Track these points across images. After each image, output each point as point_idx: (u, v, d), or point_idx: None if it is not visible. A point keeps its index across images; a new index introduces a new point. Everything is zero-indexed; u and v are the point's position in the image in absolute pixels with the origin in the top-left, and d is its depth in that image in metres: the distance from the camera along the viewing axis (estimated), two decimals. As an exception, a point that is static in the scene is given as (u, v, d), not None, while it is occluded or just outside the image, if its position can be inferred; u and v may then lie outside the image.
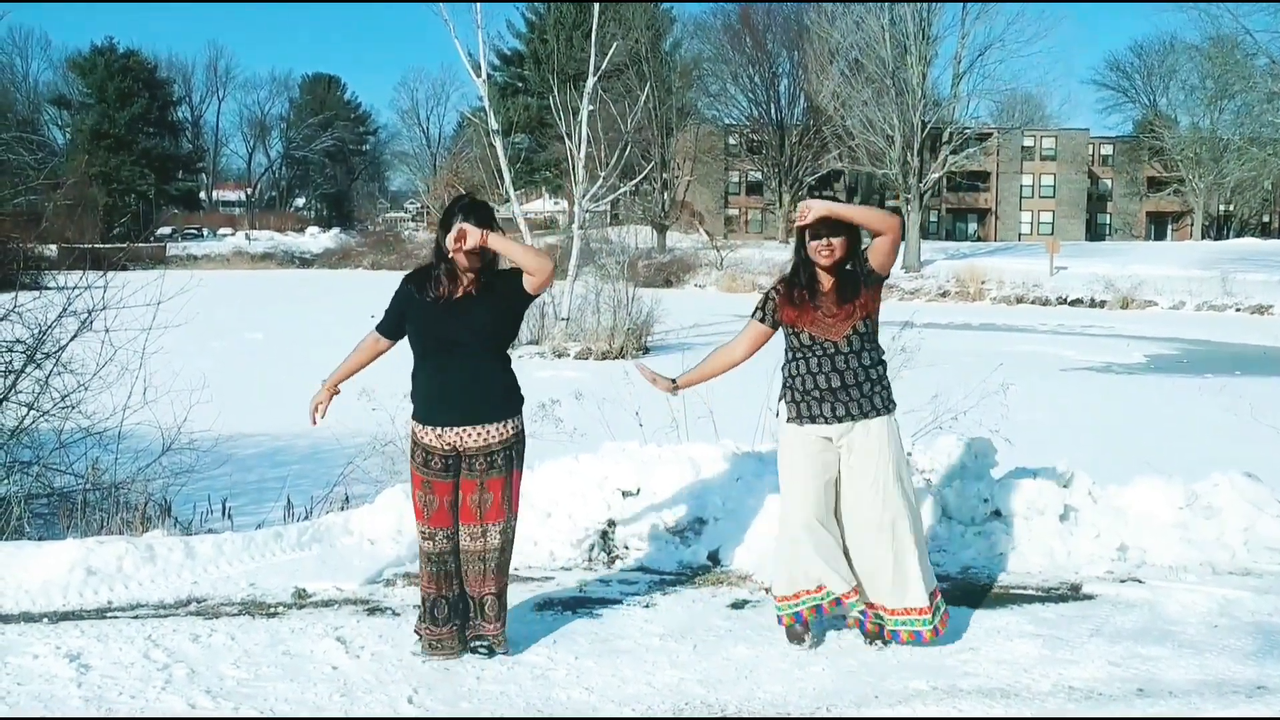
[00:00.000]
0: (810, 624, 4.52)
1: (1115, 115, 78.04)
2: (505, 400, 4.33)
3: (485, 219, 4.22)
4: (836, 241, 4.34)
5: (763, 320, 4.57)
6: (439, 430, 4.29)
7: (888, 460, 4.42)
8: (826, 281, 4.42)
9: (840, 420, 4.41)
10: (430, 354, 4.31)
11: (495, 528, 4.32)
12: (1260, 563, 5.74)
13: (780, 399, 4.57)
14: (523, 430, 4.42)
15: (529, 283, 4.26)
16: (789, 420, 4.51)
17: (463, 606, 4.42)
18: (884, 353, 4.57)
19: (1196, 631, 4.77)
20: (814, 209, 4.28)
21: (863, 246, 4.46)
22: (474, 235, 4.11)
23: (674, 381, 4.73)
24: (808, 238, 4.38)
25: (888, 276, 4.53)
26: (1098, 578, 5.54)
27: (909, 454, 6.36)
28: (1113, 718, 3.88)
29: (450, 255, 4.16)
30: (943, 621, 4.50)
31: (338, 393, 4.58)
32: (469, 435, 4.27)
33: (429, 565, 4.40)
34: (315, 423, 4.54)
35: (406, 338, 4.38)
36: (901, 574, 4.42)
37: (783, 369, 4.57)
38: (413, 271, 4.48)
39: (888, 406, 4.47)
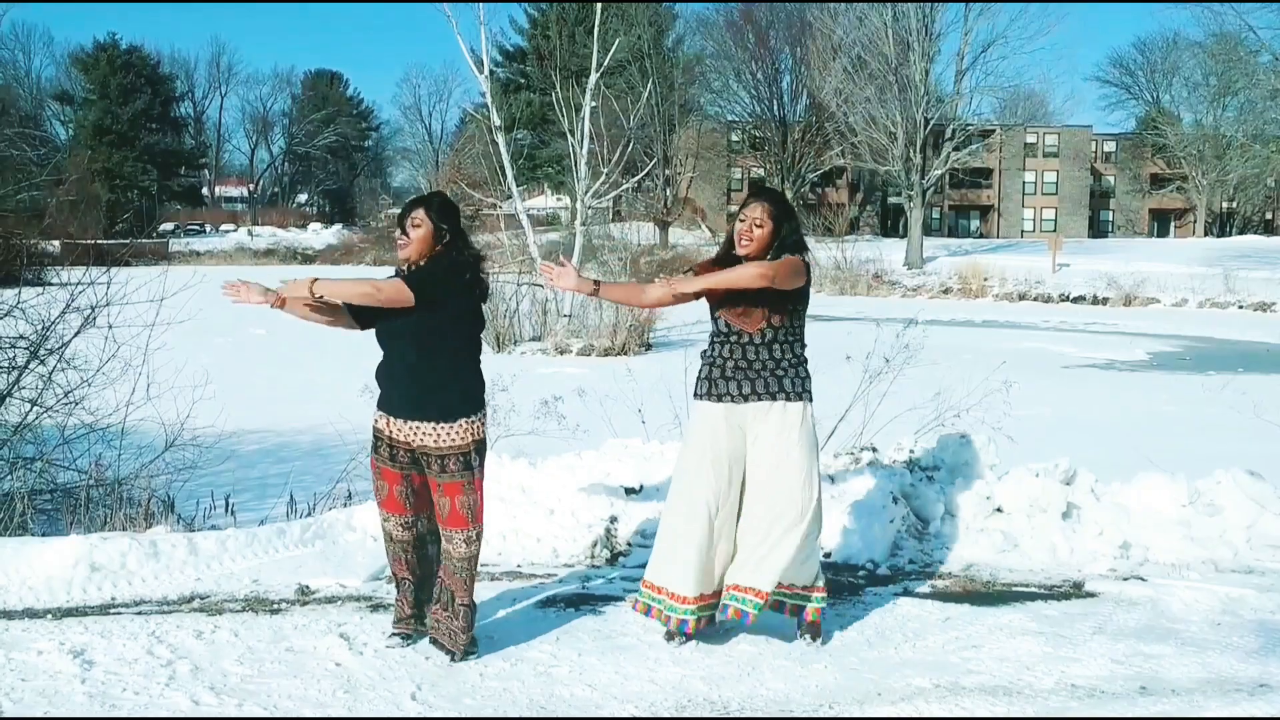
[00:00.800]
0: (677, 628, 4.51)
1: (1118, 112, 77.85)
2: (448, 403, 4.21)
3: (441, 212, 4.25)
4: (758, 233, 4.42)
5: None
6: (386, 416, 4.30)
7: (791, 447, 4.41)
8: None
9: (747, 399, 4.43)
10: (382, 341, 4.31)
11: (459, 534, 4.27)
12: (1263, 560, 5.74)
13: (697, 378, 4.60)
14: (475, 440, 4.26)
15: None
16: (697, 396, 4.55)
17: (427, 594, 4.44)
18: (803, 349, 4.55)
19: (1199, 629, 4.77)
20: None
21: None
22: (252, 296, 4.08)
23: (596, 284, 4.59)
24: (738, 219, 4.50)
25: (797, 290, 4.47)
26: (1100, 575, 5.54)
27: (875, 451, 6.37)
28: (1115, 717, 3.88)
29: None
30: (812, 626, 4.50)
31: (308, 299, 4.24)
32: (411, 431, 4.23)
33: (387, 544, 4.48)
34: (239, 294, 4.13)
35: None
36: (766, 558, 4.39)
37: (702, 353, 4.63)
38: None
39: (798, 393, 4.45)
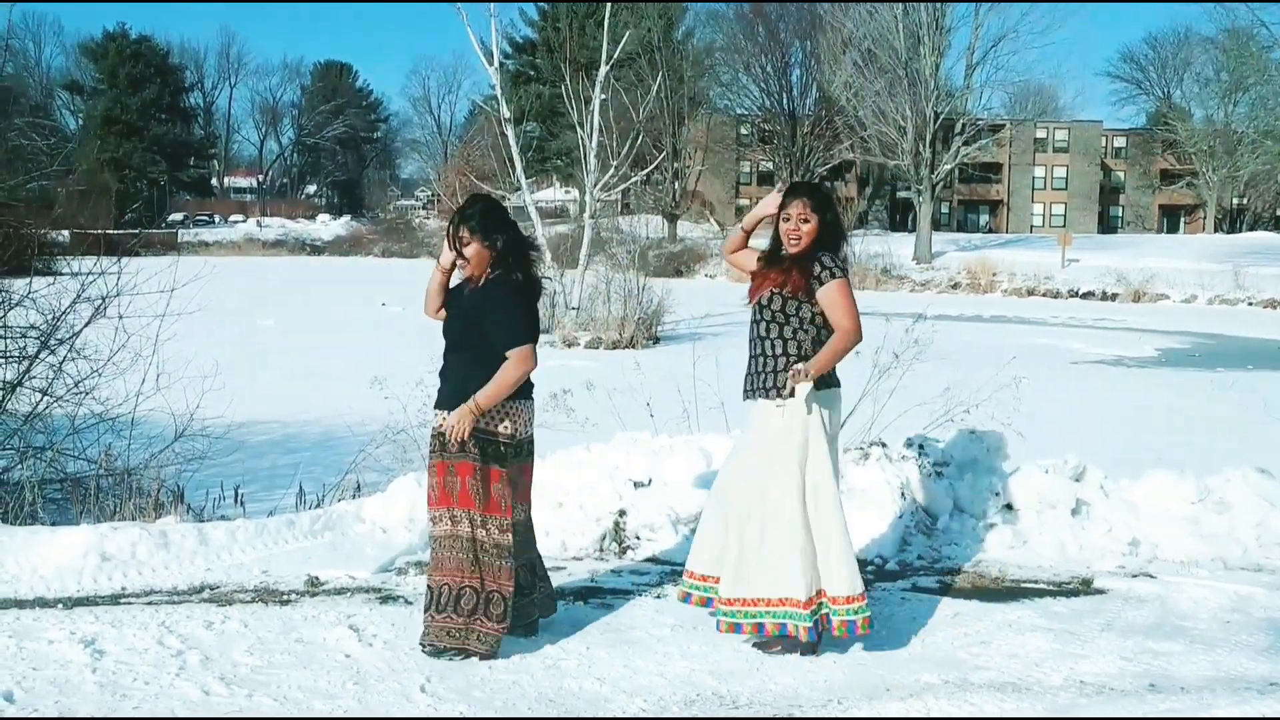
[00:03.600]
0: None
1: (1129, 107, 77.38)
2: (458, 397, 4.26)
3: (485, 224, 4.31)
4: (805, 229, 4.43)
5: None
6: (438, 412, 4.39)
7: (761, 449, 4.37)
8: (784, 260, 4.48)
9: (744, 396, 4.50)
10: (444, 338, 4.46)
11: (465, 514, 4.25)
12: (1273, 558, 5.73)
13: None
14: (490, 433, 4.25)
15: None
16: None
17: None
18: (805, 351, 4.35)
19: (1208, 627, 4.77)
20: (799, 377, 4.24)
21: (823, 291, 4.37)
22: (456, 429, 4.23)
23: None
24: (781, 219, 4.48)
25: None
26: (1109, 572, 5.54)
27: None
28: (1124, 716, 3.87)
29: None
30: (804, 630, 4.24)
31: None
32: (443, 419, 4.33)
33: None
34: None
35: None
36: (748, 567, 4.30)
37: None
38: None
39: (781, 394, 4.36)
